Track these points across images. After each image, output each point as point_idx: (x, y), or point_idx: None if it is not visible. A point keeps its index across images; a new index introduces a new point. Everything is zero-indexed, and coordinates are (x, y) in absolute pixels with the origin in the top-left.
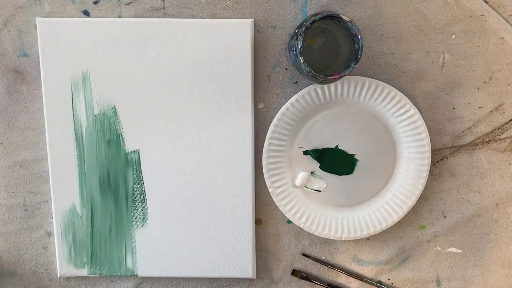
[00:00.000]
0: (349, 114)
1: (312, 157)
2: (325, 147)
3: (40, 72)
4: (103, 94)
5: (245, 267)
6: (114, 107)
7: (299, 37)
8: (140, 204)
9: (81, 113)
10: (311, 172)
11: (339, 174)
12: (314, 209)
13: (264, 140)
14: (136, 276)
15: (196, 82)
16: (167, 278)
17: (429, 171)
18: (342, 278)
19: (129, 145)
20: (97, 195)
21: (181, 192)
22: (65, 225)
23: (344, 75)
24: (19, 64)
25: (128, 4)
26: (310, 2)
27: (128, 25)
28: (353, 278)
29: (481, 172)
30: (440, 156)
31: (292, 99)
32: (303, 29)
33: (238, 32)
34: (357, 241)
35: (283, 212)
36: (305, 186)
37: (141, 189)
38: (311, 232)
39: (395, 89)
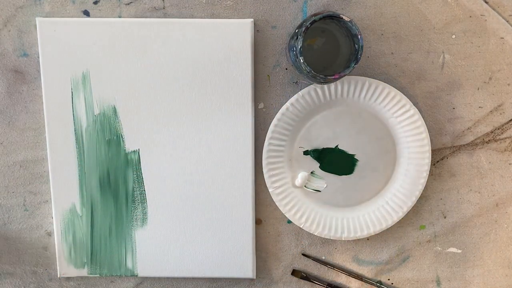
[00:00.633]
0: (349, 114)
1: (312, 157)
2: (325, 147)
3: (40, 72)
4: (103, 94)
5: (245, 267)
6: (114, 107)
7: (299, 37)
8: (140, 204)
9: (81, 113)
10: (311, 172)
11: (339, 174)
12: (314, 209)
13: (264, 140)
14: (136, 276)
15: (196, 82)
16: (167, 278)
17: (429, 171)
18: (342, 278)
19: (129, 145)
20: (97, 195)
21: (181, 192)
22: (65, 225)
23: (344, 75)
24: (19, 64)
25: (128, 4)
26: (310, 2)
27: (128, 25)
28: (353, 278)
29: (481, 172)
30: (440, 156)
31: (292, 99)
32: (303, 29)
33: (238, 32)
34: (357, 241)
35: (283, 212)
36: (305, 186)
37: (141, 189)
38: (311, 232)
39: (395, 89)
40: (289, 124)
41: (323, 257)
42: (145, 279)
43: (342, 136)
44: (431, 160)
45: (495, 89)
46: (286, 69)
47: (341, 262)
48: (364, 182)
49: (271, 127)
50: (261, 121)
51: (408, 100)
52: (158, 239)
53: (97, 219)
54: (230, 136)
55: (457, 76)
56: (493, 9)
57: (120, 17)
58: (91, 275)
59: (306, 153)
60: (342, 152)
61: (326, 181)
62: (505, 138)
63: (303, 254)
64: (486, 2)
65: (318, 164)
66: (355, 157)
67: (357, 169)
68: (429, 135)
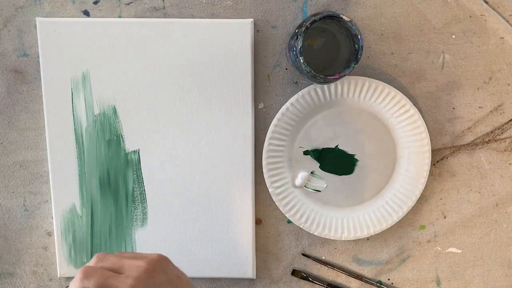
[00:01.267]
0: (349, 114)
1: (312, 157)
2: (325, 147)
3: (40, 72)
4: (103, 94)
5: (245, 267)
6: (114, 107)
7: (299, 37)
8: (140, 204)
9: (81, 113)
10: (311, 172)
11: (339, 174)
12: (314, 209)
13: (264, 140)
14: None
15: (196, 82)
16: None
17: (429, 171)
18: (342, 278)
19: (129, 145)
20: (97, 195)
21: (181, 192)
22: (65, 225)
23: (344, 75)
24: (19, 64)
25: (128, 4)
26: (310, 2)
27: (128, 25)
28: (353, 278)
29: (481, 172)
30: (440, 156)
31: (292, 99)
32: (303, 29)
33: (238, 32)
34: (357, 241)
35: (283, 212)
36: (305, 186)
37: (141, 189)
38: (311, 232)
39: (395, 89)
40: (289, 124)
41: (323, 257)
42: None
43: (342, 136)
44: (431, 160)
45: (495, 89)
46: (286, 69)
47: (341, 262)
48: (364, 182)
49: (271, 127)
50: (261, 121)
51: (408, 100)
52: (158, 239)
53: (97, 219)
54: (230, 136)
55: (457, 76)
56: (493, 9)
57: (120, 17)
58: None
59: (306, 153)
60: (342, 152)
61: (326, 181)
62: (505, 138)
63: (303, 254)
64: (486, 2)
65: (318, 164)
66: (355, 157)
67: (357, 169)
68: (429, 135)
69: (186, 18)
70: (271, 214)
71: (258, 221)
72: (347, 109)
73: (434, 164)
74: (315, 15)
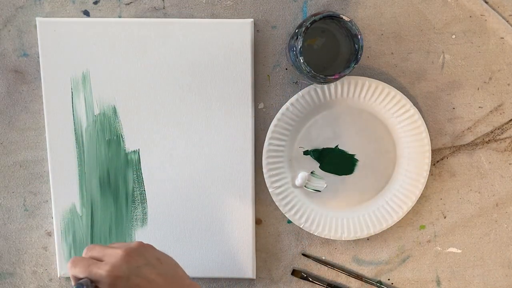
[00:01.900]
0: (349, 114)
1: (312, 157)
2: (325, 147)
3: (40, 72)
4: (103, 94)
5: (245, 267)
6: (114, 107)
7: (299, 37)
8: (140, 204)
9: (81, 113)
10: (311, 172)
11: (339, 174)
12: (314, 209)
13: (264, 140)
14: None
15: (196, 82)
16: None
17: (429, 171)
18: (342, 278)
19: (129, 145)
20: (97, 195)
21: (181, 192)
22: (65, 225)
23: (344, 75)
24: (19, 64)
25: (128, 4)
26: (310, 2)
27: (128, 25)
28: (353, 278)
29: (481, 172)
30: (440, 156)
31: (292, 99)
32: (303, 29)
33: (238, 32)
34: (357, 241)
35: (283, 212)
36: (305, 186)
37: (141, 189)
38: (311, 232)
39: (395, 89)
40: (289, 124)
41: (323, 257)
42: None
43: (342, 136)
44: (431, 160)
45: (495, 89)
46: (286, 69)
47: (341, 262)
48: (364, 182)
49: (271, 127)
50: (261, 121)
51: (408, 100)
52: (158, 239)
53: (97, 219)
54: (230, 136)
55: (457, 76)
56: (493, 9)
57: (120, 17)
58: None
59: (306, 153)
60: (342, 152)
61: (326, 181)
62: (505, 138)
63: (303, 254)
64: (486, 2)
65: (318, 164)
66: (355, 157)
67: (357, 169)
68: (429, 135)
69: (186, 18)
70: (271, 214)
71: (258, 221)
72: (347, 109)
73: (434, 164)
74: (315, 15)
